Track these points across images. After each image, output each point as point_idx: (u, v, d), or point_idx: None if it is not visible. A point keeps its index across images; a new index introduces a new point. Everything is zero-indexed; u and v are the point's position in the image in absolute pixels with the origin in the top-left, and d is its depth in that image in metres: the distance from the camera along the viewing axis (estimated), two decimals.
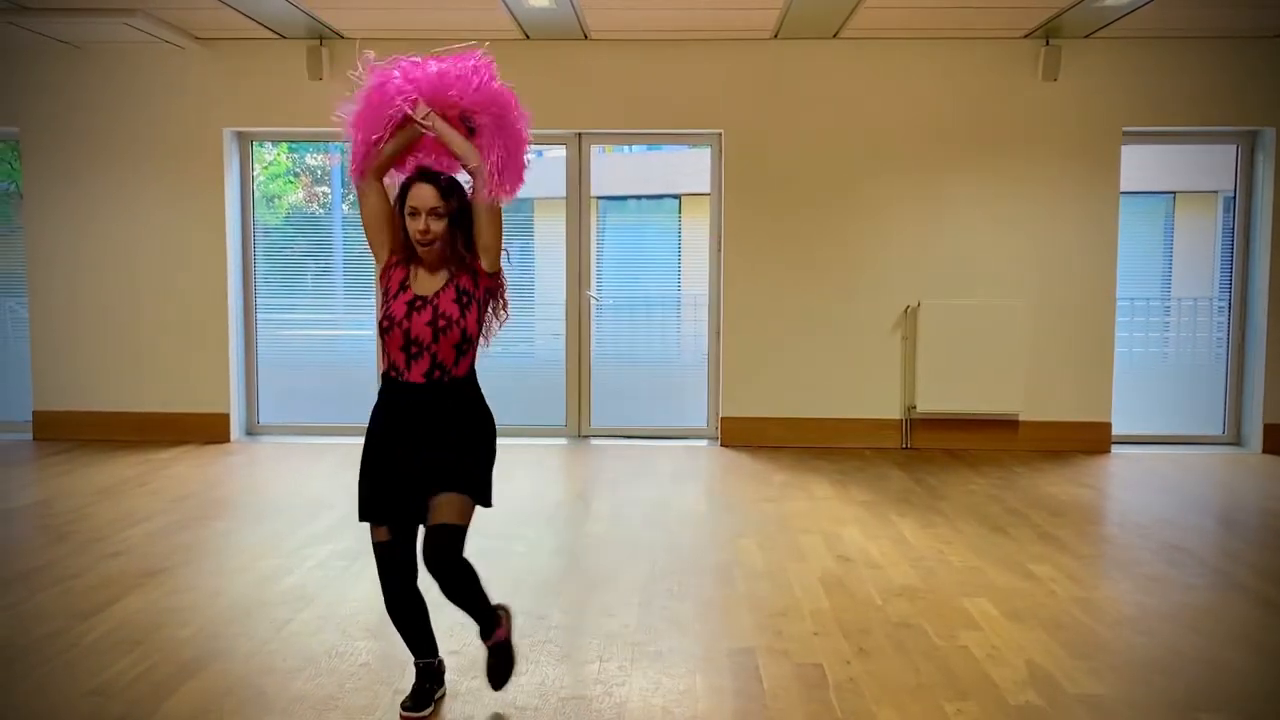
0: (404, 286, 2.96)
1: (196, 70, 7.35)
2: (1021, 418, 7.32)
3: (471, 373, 3.06)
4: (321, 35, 7.17)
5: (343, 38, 7.22)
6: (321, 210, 8.45)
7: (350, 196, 8.26)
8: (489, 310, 3.04)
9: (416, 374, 2.94)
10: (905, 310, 7.33)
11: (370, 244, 3.02)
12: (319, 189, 8.49)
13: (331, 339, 8.15)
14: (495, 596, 4.09)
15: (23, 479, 6.26)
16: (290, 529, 5.07)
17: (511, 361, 8.13)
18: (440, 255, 2.94)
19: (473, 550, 4.69)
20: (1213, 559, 4.69)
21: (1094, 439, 7.31)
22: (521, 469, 6.56)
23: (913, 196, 7.28)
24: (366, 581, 4.26)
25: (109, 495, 5.77)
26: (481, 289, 2.98)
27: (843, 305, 7.35)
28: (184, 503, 5.63)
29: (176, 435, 7.45)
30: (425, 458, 2.95)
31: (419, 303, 2.93)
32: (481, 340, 3.04)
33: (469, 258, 2.96)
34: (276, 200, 8.24)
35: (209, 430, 7.47)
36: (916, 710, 3.07)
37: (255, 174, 7.78)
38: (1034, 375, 7.27)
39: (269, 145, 8.05)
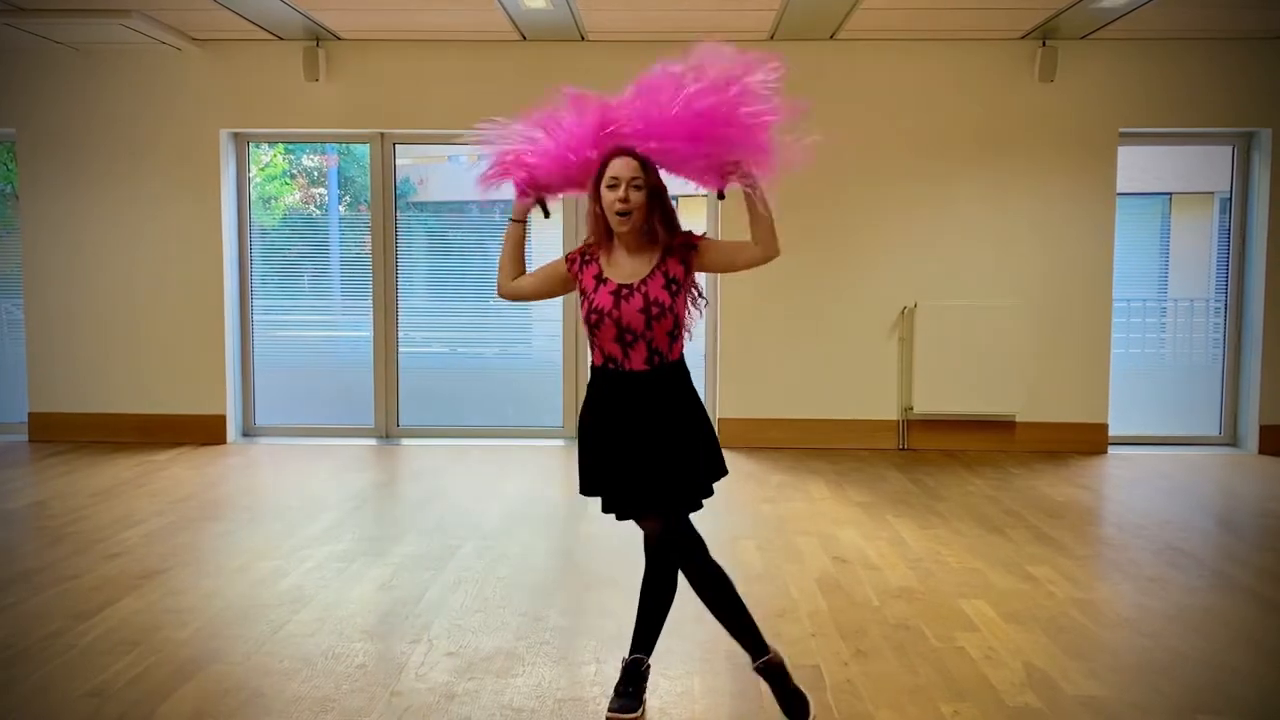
0: (601, 279, 2.93)
1: (193, 71, 7.34)
2: (1018, 419, 7.33)
3: (683, 357, 3.00)
4: (318, 36, 7.16)
5: (339, 39, 7.22)
6: (318, 212, 8.45)
7: (347, 198, 8.25)
8: (690, 300, 2.98)
9: (638, 362, 2.90)
10: (902, 311, 7.34)
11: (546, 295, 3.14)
12: (316, 190, 8.48)
13: (328, 340, 8.14)
14: (491, 596, 4.10)
15: (19, 481, 6.24)
16: (287, 531, 5.07)
17: (508, 363, 8.13)
18: (637, 231, 2.90)
19: (470, 551, 4.71)
20: (1211, 560, 4.70)
21: (1091, 440, 7.31)
22: (518, 470, 6.56)
23: (909, 197, 7.29)
24: (364, 583, 4.26)
25: (106, 497, 5.76)
26: (690, 279, 2.95)
27: (839, 306, 7.36)
28: (181, 504, 5.62)
29: (173, 437, 7.44)
30: (653, 453, 2.90)
31: (625, 291, 2.89)
32: (686, 333, 2.99)
33: (669, 237, 2.92)
34: (273, 202, 8.24)
35: (205, 432, 7.46)
36: (914, 711, 3.07)
37: (252, 175, 7.77)
38: (1031, 376, 7.27)
39: (265, 146, 8.05)
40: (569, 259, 3.04)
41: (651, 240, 2.93)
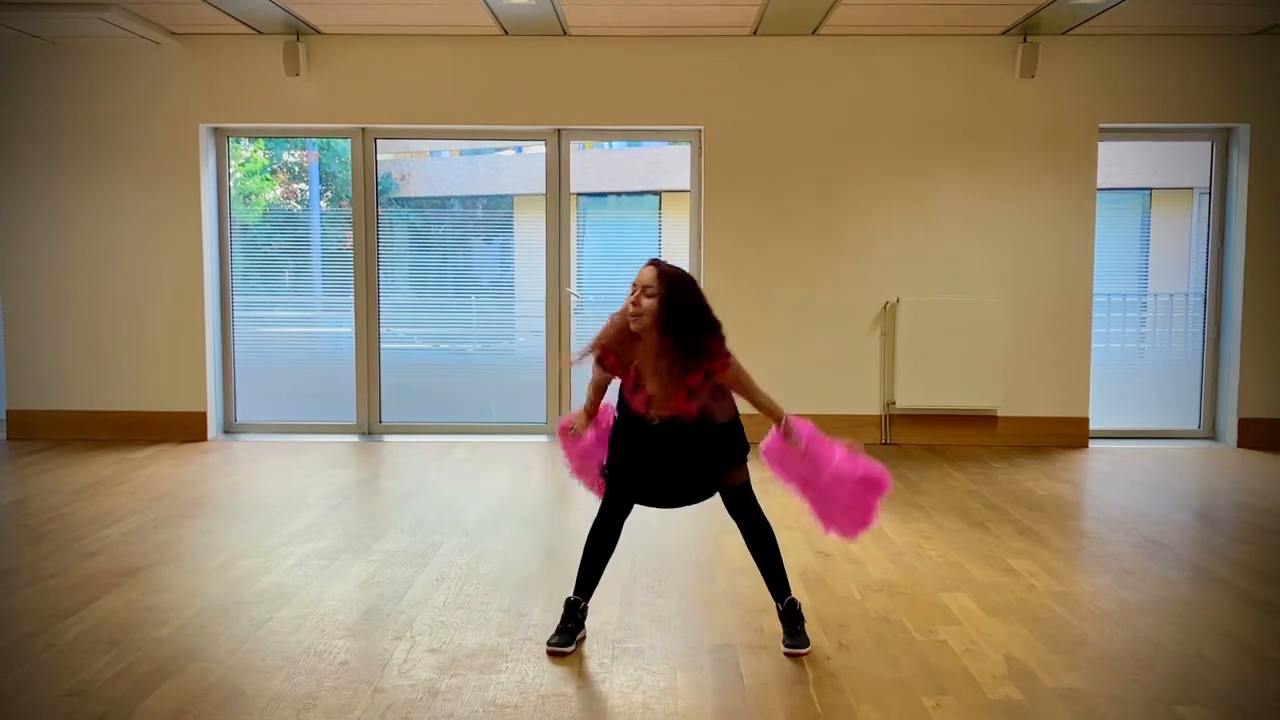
0: (639, 385, 3.37)
1: (172, 66, 7.28)
2: (1000, 413, 7.36)
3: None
4: (298, 31, 7.12)
5: (320, 33, 7.18)
6: (299, 207, 8.40)
7: (328, 193, 8.22)
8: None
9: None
10: (884, 306, 7.36)
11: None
12: (296, 185, 8.44)
13: (309, 336, 8.11)
14: (474, 592, 4.09)
15: None
16: (268, 528, 5.05)
17: (491, 359, 8.11)
18: (652, 341, 3.27)
19: (452, 548, 4.70)
20: (1191, 553, 4.73)
21: (1072, 434, 7.35)
22: (501, 466, 6.55)
23: (891, 192, 7.31)
24: (346, 580, 4.25)
25: (86, 495, 5.72)
26: (710, 385, 3.36)
27: (822, 301, 7.37)
28: (161, 502, 5.59)
29: (153, 434, 7.39)
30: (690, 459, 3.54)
31: (654, 412, 3.36)
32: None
33: (690, 361, 3.28)
34: (253, 197, 8.19)
35: (186, 429, 7.42)
36: (896, 704, 3.08)
37: (232, 170, 7.73)
38: (1012, 371, 7.31)
39: (245, 141, 7.99)
40: (599, 358, 3.43)
41: (670, 358, 3.29)
